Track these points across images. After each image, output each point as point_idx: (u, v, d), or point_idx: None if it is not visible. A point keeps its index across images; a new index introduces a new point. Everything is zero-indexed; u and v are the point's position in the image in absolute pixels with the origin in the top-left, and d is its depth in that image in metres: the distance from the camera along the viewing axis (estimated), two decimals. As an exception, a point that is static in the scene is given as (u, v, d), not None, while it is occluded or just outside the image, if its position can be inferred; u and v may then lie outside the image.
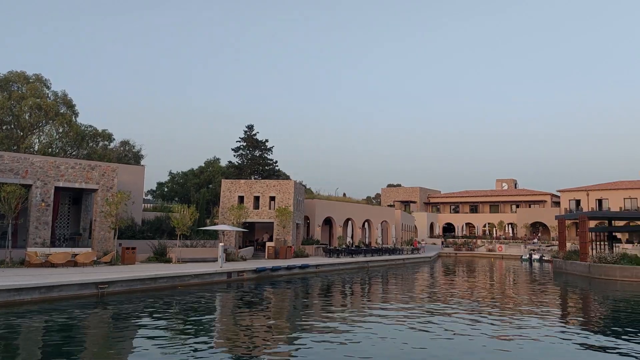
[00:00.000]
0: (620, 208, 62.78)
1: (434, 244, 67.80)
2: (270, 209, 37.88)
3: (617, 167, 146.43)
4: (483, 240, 67.37)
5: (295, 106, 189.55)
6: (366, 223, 51.48)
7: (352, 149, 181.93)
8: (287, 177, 59.41)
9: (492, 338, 12.97)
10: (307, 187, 57.70)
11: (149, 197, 63.56)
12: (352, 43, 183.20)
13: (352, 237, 46.31)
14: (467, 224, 77.36)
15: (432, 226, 77.00)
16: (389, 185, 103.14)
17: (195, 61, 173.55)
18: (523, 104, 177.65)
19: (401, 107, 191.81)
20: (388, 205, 72.87)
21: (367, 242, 49.23)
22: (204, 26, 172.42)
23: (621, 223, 51.78)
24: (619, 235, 51.32)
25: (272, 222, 37.50)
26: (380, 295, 22.60)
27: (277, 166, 59.32)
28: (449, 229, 78.57)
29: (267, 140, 57.54)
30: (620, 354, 11.40)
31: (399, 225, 59.57)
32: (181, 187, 62.93)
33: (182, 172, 65.26)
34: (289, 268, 29.22)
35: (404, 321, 15.20)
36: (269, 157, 57.84)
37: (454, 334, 13.40)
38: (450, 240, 68.29)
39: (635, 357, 11.03)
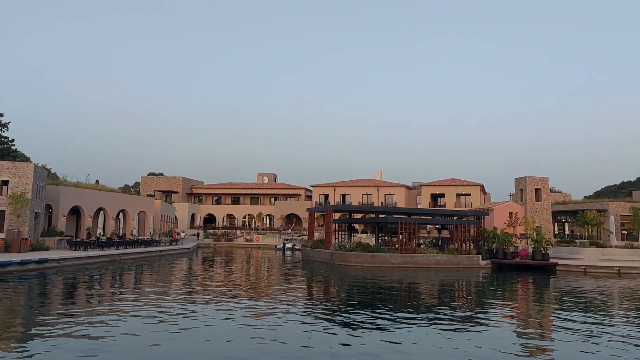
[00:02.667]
0: (359, 202, 72.14)
1: (194, 235, 67.24)
2: (1, 194, 32.14)
3: (359, 166, 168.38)
4: (242, 231, 69.56)
5: (47, 79, 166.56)
6: (121, 213, 47.99)
7: (113, 133, 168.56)
8: (27, 159, 51.43)
9: (245, 325, 13.19)
10: (53, 171, 50.92)
11: None
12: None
13: (103, 229, 42.52)
14: (228, 215, 78.86)
15: (193, 217, 76.26)
16: (150, 174, 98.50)
17: None
18: (281, 108, 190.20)
19: (164, 96, 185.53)
20: (148, 195, 69.39)
21: (121, 234, 45.90)
22: None
23: (359, 215, 59.47)
24: (356, 226, 58.82)
25: (4, 211, 31.89)
26: (131, 289, 21.10)
27: (14, 145, 50.85)
28: (210, 220, 78.91)
29: (1, 114, 48.77)
30: (351, 324, 12.84)
31: (159, 216, 57.23)
32: None
33: None
34: (22, 263, 25.16)
35: (155, 315, 14.38)
36: (3, 134, 49.12)
37: (206, 324, 13.22)
38: (211, 231, 68.65)
39: (358, 326, 12.54)
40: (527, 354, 10.97)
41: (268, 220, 74.90)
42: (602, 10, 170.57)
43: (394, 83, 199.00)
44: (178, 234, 55.46)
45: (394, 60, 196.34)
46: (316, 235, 50.94)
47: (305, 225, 66.38)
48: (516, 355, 10.76)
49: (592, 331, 13.40)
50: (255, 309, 15.96)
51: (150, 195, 68.79)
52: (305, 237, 56.08)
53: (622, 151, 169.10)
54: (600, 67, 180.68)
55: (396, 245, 36.92)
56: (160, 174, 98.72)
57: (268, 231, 69.11)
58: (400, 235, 36.35)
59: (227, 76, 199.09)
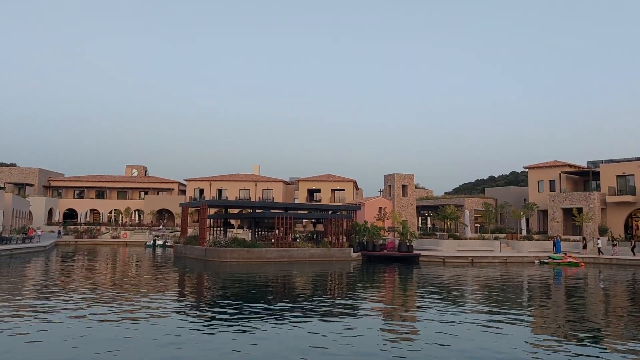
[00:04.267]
0: (236, 197, 71.15)
1: (52, 231, 61.23)
2: None
3: (237, 161, 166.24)
4: (108, 227, 64.86)
5: None
6: (-38, 208, 42.02)
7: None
8: None
9: (117, 325, 12.15)
10: None
11: None
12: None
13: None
14: (92, 210, 73.02)
15: (51, 212, 69.43)
16: (0, 165, 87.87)
17: None
18: (152, 99, 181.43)
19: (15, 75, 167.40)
20: (-4, 188, 61.69)
21: (-39, 231, 40.19)
22: None
23: (236, 211, 58.61)
24: (232, 221, 57.89)
25: None
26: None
27: None
28: (71, 215, 72.41)
29: None
30: (227, 320, 12.47)
31: (10, 211, 51.14)
32: None
33: None
34: None
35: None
36: None
37: (69, 326, 11.94)
38: (72, 227, 63.02)
39: (224, 322, 12.23)
40: (393, 339, 11.47)
41: (137, 215, 70.71)
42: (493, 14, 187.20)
43: (274, 76, 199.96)
44: (34, 230, 50.06)
45: (277, 53, 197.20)
46: (190, 231, 49.22)
47: (178, 221, 63.80)
48: (384, 339, 11.21)
49: (449, 315, 14.47)
50: (115, 308, 14.83)
51: (0, 188, 61.24)
52: (178, 234, 53.94)
53: (477, 153, 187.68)
54: (462, 72, 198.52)
55: (272, 240, 36.98)
56: (13, 165, 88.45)
57: (137, 227, 65.20)
58: (277, 230, 36.45)
59: (96, 62, 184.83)
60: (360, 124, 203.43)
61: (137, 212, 71.23)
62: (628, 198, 45.15)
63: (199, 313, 14.51)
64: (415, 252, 36.70)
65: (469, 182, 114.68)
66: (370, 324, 13.49)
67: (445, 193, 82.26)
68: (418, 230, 50.82)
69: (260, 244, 36.22)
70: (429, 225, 58.70)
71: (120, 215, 69.39)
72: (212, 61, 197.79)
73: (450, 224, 48.70)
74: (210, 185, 72.51)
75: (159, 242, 52.43)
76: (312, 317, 13.85)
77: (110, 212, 71.60)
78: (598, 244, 39.11)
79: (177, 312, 14.48)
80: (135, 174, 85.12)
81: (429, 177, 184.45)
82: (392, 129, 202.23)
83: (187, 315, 14.10)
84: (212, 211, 52.92)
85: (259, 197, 70.79)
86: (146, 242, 54.21)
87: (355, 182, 71.06)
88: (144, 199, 73.75)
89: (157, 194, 76.92)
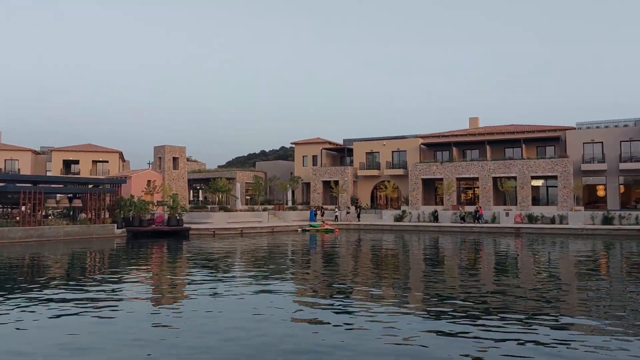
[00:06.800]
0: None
1: None
2: None
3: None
4: None
5: None
6: None
7: None
8: None
9: None
10: None
11: None
12: None
13: None
14: None
15: None
16: None
17: None
18: None
19: None
20: None
21: None
22: None
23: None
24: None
25: None
26: None
27: None
28: None
29: None
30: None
31: None
32: None
33: None
34: None
35: None
36: None
37: None
38: None
39: None
40: (157, 322, 10.83)
41: None
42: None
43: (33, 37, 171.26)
44: None
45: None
46: None
47: None
48: (150, 323, 10.50)
49: (217, 287, 14.44)
50: None
51: None
52: None
53: (248, 127, 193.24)
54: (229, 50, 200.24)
55: (17, 218, 31.96)
56: None
57: None
58: (24, 207, 31.57)
59: None
60: (129, 90, 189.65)
61: None
62: (374, 172, 52.00)
63: None
64: (185, 225, 35.99)
65: (242, 155, 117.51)
66: (134, 306, 12.55)
67: (219, 166, 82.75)
68: (190, 203, 50.01)
69: (1, 223, 30.94)
70: (201, 199, 58.35)
71: None
72: None
73: (222, 196, 49.15)
74: None
75: None
76: (68, 303, 12.22)
77: None
78: (336, 212, 44.44)
79: None
80: None
81: (202, 150, 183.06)
82: (162, 99, 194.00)
83: None
84: None
85: (0, 169, 60.36)
86: None
87: (121, 154, 66.07)
88: None
89: None
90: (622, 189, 44.11)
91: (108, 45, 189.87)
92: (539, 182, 44.96)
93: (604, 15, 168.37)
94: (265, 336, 9.30)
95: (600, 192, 44.92)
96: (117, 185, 38.55)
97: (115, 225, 34.77)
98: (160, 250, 26.73)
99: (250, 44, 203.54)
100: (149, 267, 20.67)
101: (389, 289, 14.61)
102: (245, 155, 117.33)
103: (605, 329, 9.68)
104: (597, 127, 46.77)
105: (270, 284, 15.28)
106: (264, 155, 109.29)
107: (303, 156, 58.26)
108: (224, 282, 15.63)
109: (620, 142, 43.70)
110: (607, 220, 36.76)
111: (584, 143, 44.85)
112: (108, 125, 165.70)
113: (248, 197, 55.55)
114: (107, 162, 63.81)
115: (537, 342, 8.75)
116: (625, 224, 35.89)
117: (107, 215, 35.70)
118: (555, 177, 42.73)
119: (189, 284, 15.76)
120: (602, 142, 44.20)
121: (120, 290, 14.48)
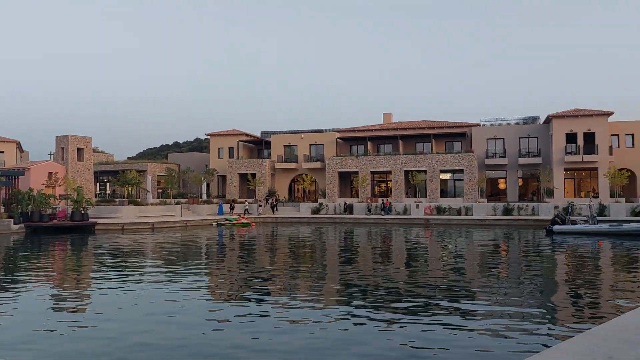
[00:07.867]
0: None
1: None
2: None
3: None
4: None
5: None
6: None
7: None
8: None
9: None
10: None
11: None
12: None
13: None
14: None
15: None
16: None
17: None
18: None
19: None
20: None
21: None
22: None
23: None
24: None
25: None
26: None
27: None
28: None
29: None
30: None
31: None
32: None
33: None
34: None
35: None
36: None
37: None
38: None
39: None
40: (58, 322, 10.06)
41: None
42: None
43: None
44: None
45: None
46: None
47: None
48: (52, 321, 9.71)
49: (125, 282, 13.71)
50: None
51: None
52: None
53: (161, 118, 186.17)
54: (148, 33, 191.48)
55: None
56: None
57: None
58: None
59: None
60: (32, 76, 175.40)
61: None
62: (292, 165, 52.05)
63: None
64: (91, 220, 33.91)
65: (154, 147, 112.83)
66: (30, 308, 11.57)
67: (128, 158, 78.87)
68: (96, 197, 47.27)
69: None
70: (109, 192, 55.33)
71: None
72: None
73: (131, 189, 46.88)
74: None
75: None
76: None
77: None
78: (246, 206, 43.79)
79: None
80: None
81: (110, 141, 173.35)
82: (66, 86, 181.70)
83: None
84: None
85: None
86: None
87: (19, 143, 60.93)
88: None
89: None
90: (520, 182, 47.59)
91: (7, 31, 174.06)
92: (447, 176, 47.32)
93: (513, 18, 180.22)
94: (174, 339, 8.95)
95: (502, 185, 48.18)
96: (14, 178, 35.53)
97: (12, 220, 32.03)
98: (62, 247, 24.97)
99: (167, 31, 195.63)
100: (48, 264, 19.21)
101: (305, 281, 14.67)
102: (158, 146, 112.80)
103: (505, 311, 10.34)
104: (500, 124, 49.95)
105: (178, 282, 14.78)
106: (177, 147, 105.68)
107: (219, 148, 57.03)
108: (131, 280, 14.89)
109: (520, 138, 47.06)
110: (507, 211, 39.46)
111: (487, 139, 47.79)
112: (3, 112, 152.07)
113: (160, 191, 53.46)
114: (2, 152, 58.61)
115: (444, 325, 9.15)
116: (523, 214, 38.75)
117: (2, 210, 32.81)
118: (461, 171, 45.18)
119: (93, 279, 14.84)
120: (503, 139, 47.36)
121: (14, 290, 13.31)
